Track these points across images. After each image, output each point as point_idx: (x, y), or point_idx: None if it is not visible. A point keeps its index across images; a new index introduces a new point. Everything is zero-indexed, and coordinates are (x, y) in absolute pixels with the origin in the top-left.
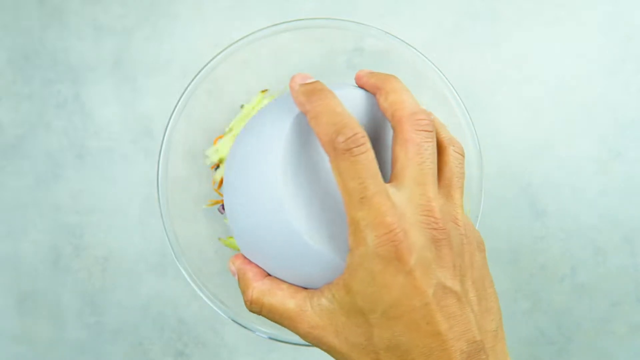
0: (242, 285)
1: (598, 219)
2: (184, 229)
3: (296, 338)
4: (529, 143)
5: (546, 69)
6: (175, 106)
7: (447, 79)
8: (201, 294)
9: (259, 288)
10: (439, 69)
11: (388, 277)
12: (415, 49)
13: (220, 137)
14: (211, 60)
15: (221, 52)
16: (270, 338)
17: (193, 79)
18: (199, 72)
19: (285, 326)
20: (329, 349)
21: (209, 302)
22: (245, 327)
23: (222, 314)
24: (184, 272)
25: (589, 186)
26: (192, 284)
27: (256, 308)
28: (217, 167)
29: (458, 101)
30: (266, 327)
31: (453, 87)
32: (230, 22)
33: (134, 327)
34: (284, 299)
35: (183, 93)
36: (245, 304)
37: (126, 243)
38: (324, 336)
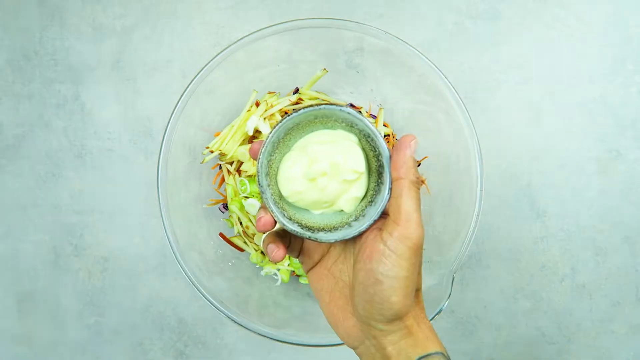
0: None
1: (598, 219)
2: (184, 229)
3: (294, 338)
4: (528, 143)
5: (546, 69)
6: (175, 106)
7: (447, 79)
8: (201, 294)
9: None
10: (439, 69)
11: None
12: (415, 49)
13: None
14: (211, 60)
15: (221, 52)
16: (270, 338)
17: (193, 79)
18: (199, 72)
19: None
20: None
21: (209, 302)
22: (245, 327)
23: (222, 314)
24: (184, 272)
25: (589, 186)
26: (192, 284)
27: None
28: (219, 166)
29: (458, 101)
30: (266, 327)
31: (453, 87)
32: (230, 22)
33: (134, 327)
34: None
35: (183, 93)
36: None
37: (126, 243)
38: None
